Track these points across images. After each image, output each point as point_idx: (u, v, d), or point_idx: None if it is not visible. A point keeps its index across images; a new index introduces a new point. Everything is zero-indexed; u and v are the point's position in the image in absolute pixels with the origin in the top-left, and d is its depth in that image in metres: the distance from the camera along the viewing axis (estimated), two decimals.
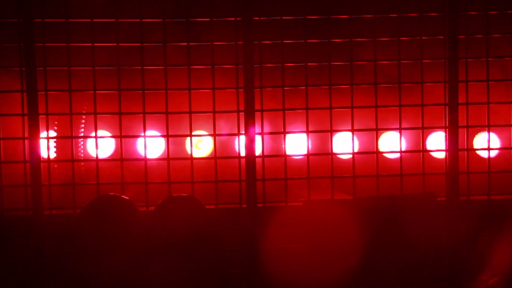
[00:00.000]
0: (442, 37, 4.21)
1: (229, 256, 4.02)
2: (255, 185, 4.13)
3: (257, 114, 4.16)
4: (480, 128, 4.38)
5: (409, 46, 4.23)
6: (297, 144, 4.39)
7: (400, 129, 4.25)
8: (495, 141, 4.46)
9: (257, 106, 4.14)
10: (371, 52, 4.21)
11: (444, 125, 4.24)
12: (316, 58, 4.22)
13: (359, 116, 4.28)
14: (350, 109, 4.21)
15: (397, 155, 4.30)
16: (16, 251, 4.09)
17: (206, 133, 4.38)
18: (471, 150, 4.34)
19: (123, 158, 4.15)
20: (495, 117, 4.30)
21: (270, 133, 4.29)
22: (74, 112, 4.16)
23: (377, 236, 4.11)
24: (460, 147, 4.23)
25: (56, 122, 4.28)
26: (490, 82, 4.25)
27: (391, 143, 4.41)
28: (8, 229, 4.10)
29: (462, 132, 4.26)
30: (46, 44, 4.07)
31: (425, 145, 4.36)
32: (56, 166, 4.28)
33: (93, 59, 4.11)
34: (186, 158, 4.20)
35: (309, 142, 4.27)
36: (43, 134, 4.13)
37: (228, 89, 4.19)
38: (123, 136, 4.15)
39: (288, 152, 4.25)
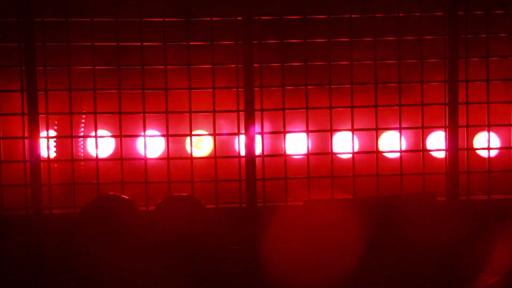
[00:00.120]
0: (442, 37, 4.21)
1: (229, 256, 4.02)
2: (255, 184, 4.13)
3: (257, 114, 4.16)
4: (480, 127, 4.37)
5: (408, 45, 4.23)
6: (297, 144, 4.38)
7: (400, 129, 4.25)
8: (495, 140, 4.46)
9: (257, 106, 4.14)
10: (371, 52, 4.21)
11: (444, 124, 4.23)
12: (315, 58, 4.22)
13: (359, 115, 4.28)
14: (350, 109, 4.21)
15: (397, 154, 4.30)
16: (16, 251, 4.09)
17: (206, 132, 4.38)
18: (471, 149, 4.34)
19: (123, 158, 4.15)
20: (495, 116, 4.30)
21: (270, 133, 4.29)
22: (74, 112, 4.16)
23: (377, 236, 4.11)
24: (460, 146, 4.23)
25: (56, 122, 4.27)
26: (490, 82, 4.25)
27: (391, 143, 4.41)
28: (8, 229, 4.10)
29: (462, 132, 4.26)
30: (46, 44, 4.07)
31: (425, 145, 4.36)
32: (56, 165, 4.28)
33: (93, 59, 4.10)
34: (186, 158, 4.20)
35: (309, 141, 4.27)
36: (43, 133, 4.13)
37: (228, 89, 4.19)
38: (123, 136, 4.15)
39: (288, 152, 4.25)
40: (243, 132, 4.15)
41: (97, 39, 4.10)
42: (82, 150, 4.41)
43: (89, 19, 4.09)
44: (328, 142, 4.25)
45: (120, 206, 3.74)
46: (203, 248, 3.67)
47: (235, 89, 4.17)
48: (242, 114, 4.15)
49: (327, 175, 4.21)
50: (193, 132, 4.20)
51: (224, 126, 4.38)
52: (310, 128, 4.23)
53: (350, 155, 4.26)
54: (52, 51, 4.12)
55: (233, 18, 4.17)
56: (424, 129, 4.27)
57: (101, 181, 4.12)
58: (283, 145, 4.22)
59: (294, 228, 4.12)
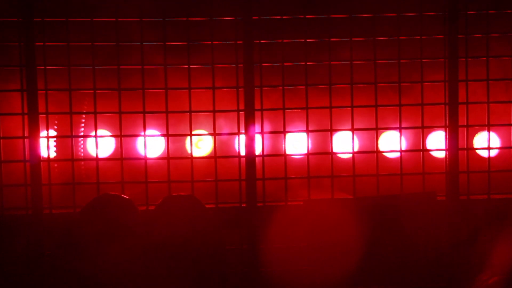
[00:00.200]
0: (442, 37, 4.21)
1: (228, 255, 4.02)
2: (255, 184, 4.13)
3: (257, 114, 4.16)
4: (480, 127, 4.37)
5: (408, 45, 4.24)
6: (297, 144, 4.38)
7: (400, 129, 4.25)
8: (495, 140, 4.46)
9: (257, 106, 4.14)
10: (370, 52, 4.22)
11: (444, 124, 4.24)
12: (315, 57, 4.22)
13: (359, 115, 4.28)
14: (350, 109, 4.21)
15: (397, 154, 4.30)
16: (16, 250, 4.09)
17: (206, 132, 4.38)
18: (471, 149, 4.34)
19: (123, 158, 4.15)
20: (495, 116, 4.30)
21: (270, 132, 4.29)
22: (74, 112, 4.16)
23: (377, 235, 4.11)
24: (460, 146, 4.23)
25: (56, 122, 4.27)
26: (490, 82, 4.25)
27: (391, 143, 4.41)
28: (8, 229, 4.10)
29: (462, 132, 4.26)
30: (46, 44, 4.07)
31: (425, 145, 4.36)
32: (56, 165, 4.28)
33: (93, 59, 4.11)
34: (186, 158, 4.20)
35: (309, 141, 4.27)
36: (43, 133, 4.13)
37: (228, 89, 4.19)
38: (123, 136, 4.15)
39: (288, 152, 4.25)
40: (243, 131, 4.15)
41: (97, 39, 4.10)
42: (82, 150, 4.41)
43: (89, 19, 4.09)
44: (328, 142, 4.25)
45: (120, 206, 3.73)
46: (203, 248, 3.67)
47: (235, 89, 4.17)
48: (242, 113, 4.15)
49: (327, 175, 4.21)
50: (193, 132, 4.20)
51: (224, 126, 4.38)
52: (310, 128, 4.23)
53: (350, 155, 4.26)
54: (52, 51, 4.12)
55: (233, 18, 4.17)
56: (424, 129, 4.27)
57: (101, 181, 4.12)
58: (283, 145, 4.22)
59: (294, 228, 4.12)
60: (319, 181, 4.27)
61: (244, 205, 4.16)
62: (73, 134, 4.18)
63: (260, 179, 4.16)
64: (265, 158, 4.19)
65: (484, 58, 4.26)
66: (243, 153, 4.16)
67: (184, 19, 4.15)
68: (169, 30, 4.15)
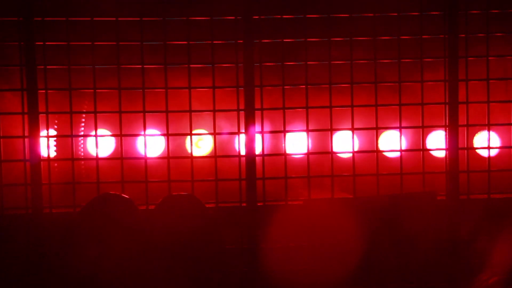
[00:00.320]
0: (442, 36, 4.21)
1: (228, 255, 4.02)
2: (255, 183, 4.13)
3: (257, 113, 4.16)
4: (480, 127, 4.37)
5: (408, 45, 4.24)
6: (297, 143, 4.38)
7: (400, 128, 4.25)
8: (495, 140, 4.46)
9: (257, 105, 4.14)
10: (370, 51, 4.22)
11: (444, 124, 4.23)
12: (316, 57, 4.23)
13: (359, 115, 4.28)
14: (350, 108, 4.21)
15: (397, 154, 4.30)
16: (16, 250, 4.09)
17: (206, 132, 4.38)
18: (471, 149, 4.34)
19: (123, 157, 4.15)
20: (495, 116, 4.30)
21: (270, 132, 4.29)
22: (74, 111, 4.16)
23: (377, 235, 4.11)
24: (460, 146, 4.23)
25: (56, 121, 4.27)
26: (490, 81, 4.25)
27: (391, 142, 4.41)
28: (8, 228, 4.10)
29: (462, 131, 4.26)
30: (46, 43, 4.07)
31: (425, 144, 4.36)
32: (56, 164, 4.28)
33: (93, 58, 4.10)
34: (186, 157, 4.20)
35: (309, 141, 4.27)
36: (43, 132, 4.13)
37: (228, 88, 4.19)
38: (123, 135, 4.15)
39: (288, 151, 4.25)
40: (243, 131, 4.15)
41: (97, 38, 4.10)
42: (82, 149, 4.41)
43: (89, 18, 4.09)
44: (328, 141, 4.25)
45: (120, 205, 3.74)
46: (203, 247, 3.67)
47: (235, 88, 4.17)
48: (242, 113, 4.15)
49: (327, 175, 4.21)
50: (193, 131, 4.20)
51: (224, 125, 4.38)
52: (310, 127, 4.23)
53: (350, 155, 4.26)
54: (52, 50, 4.12)
55: (233, 18, 4.17)
56: (424, 129, 4.27)
57: (101, 180, 4.12)
58: (283, 144, 4.22)
59: (294, 227, 4.12)
60: (319, 180, 4.27)
61: (244, 204, 4.16)
62: (73, 134, 4.18)
63: (260, 178, 4.15)
64: (265, 157, 4.19)
65: (484, 58, 4.25)
66: (243, 152, 4.16)
67: (184, 18, 4.15)
68: (170, 29, 4.15)
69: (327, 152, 4.24)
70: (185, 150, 4.42)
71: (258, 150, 4.20)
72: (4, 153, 4.14)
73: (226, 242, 3.96)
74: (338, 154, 4.37)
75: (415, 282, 4.15)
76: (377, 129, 4.26)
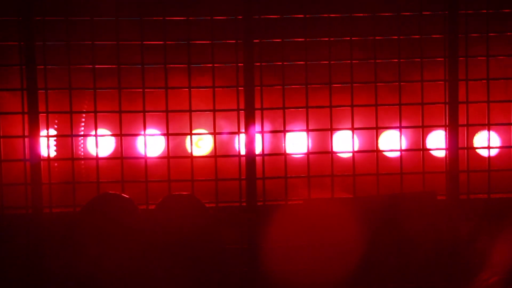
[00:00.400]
0: (442, 36, 4.21)
1: (228, 254, 4.01)
2: (255, 183, 4.14)
3: (257, 113, 4.16)
4: (480, 126, 4.37)
5: (408, 44, 4.24)
6: (297, 143, 4.38)
7: (400, 128, 4.25)
8: (495, 139, 4.46)
9: (257, 105, 4.14)
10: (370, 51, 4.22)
11: (444, 123, 4.24)
12: (316, 57, 4.22)
13: (359, 114, 4.28)
14: (350, 108, 4.21)
15: (397, 153, 4.30)
16: (16, 250, 4.09)
17: (206, 131, 4.38)
18: (471, 148, 4.34)
19: (123, 157, 4.15)
20: (495, 115, 4.30)
21: (270, 132, 4.29)
22: (74, 111, 4.16)
23: (377, 235, 4.11)
24: (460, 145, 4.23)
25: (56, 121, 4.28)
26: (490, 81, 4.25)
27: (391, 142, 4.41)
28: (8, 228, 4.10)
29: (462, 131, 4.26)
30: (46, 43, 4.08)
31: (425, 144, 4.36)
32: (56, 164, 4.28)
33: (93, 58, 4.11)
34: (186, 157, 4.20)
35: (309, 140, 4.27)
36: (43, 132, 4.13)
37: (228, 88, 4.19)
38: (123, 135, 4.15)
39: (288, 151, 4.25)
40: (243, 131, 4.16)
41: (97, 38, 4.10)
42: (82, 149, 4.41)
43: (89, 18, 4.09)
44: (328, 141, 4.25)
45: (120, 205, 3.73)
46: (203, 247, 3.67)
47: (235, 88, 4.17)
48: (242, 113, 4.16)
49: (327, 174, 4.21)
50: (193, 131, 4.20)
51: (224, 125, 4.38)
52: (310, 127, 4.23)
53: (350, 154, 4.26)
54: (52, 50, 4.12)
55: (233, 17, 4.17)
56: (424, 128, 4.27)
57: (101, 180, 4.12)
58: (283, 144, 4.22)
59: (294, 227, 4.12)
60: (319, 180, 4.27)
61: (244, 204, 4.16)
62: (73, 133, 4.18)
63: (260, 178, 4.16)
64: (265, 157, 4.19)
65: (484, 58, 4.25)
66: (243, 152, 4.17)
67: (184, 18, 4.15)
68: (170, 29, 4.15)
69: (327, 152, 4.25)
70: (185, 149, 4.42)
71: (258, 149, 4.20)
72: (4, 153, 4.14)
73: (226, 241, 3.96)
74: (338, 154, 4.37)
75: (415, 282, 4.15)
76: (377, 129, 4.26)
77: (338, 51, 4.22)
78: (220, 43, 4.18)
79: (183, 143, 4.45)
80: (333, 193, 4.20)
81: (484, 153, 4.42)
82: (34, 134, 4.06)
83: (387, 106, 4.25)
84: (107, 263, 3.58)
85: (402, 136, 4.29)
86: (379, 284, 4.15)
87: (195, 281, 3.64)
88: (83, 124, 4.38)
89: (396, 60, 4.22)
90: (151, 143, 4.30)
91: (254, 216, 4.14)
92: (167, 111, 4.14)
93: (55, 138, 4.26)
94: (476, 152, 4.46)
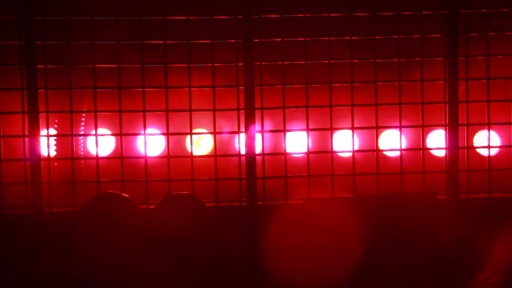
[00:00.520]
0: (442, 35, 4.21)
1: (228, 254, 4.02)
2: (255, 183, 4.14)
3: (257, 112, 4.16)
4: (480, 126, 4.37)
5: (408, 44, 4.24)
6: (297, 142, 4.38)
7: (400, 127, 4.25)
8: (495, 139, 4.46)
9: (257, 104, 4.14)
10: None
11: (444, 123, 4.23)
12: (316, 57, 4.23)
13: (359, 114, 4.28)
14: (350, 107, 4.21)
15: (397, 153, 4.30)
16: (16, 249, 4.09)
17: (206, 131, 4.38)
18: (471, 148, 4.34)
19: (123, 156, 4.15)
20: (495, 115, 4.30)
21: (270, 131, 4.29)
22: (74, 110, 4.16)
23: (377, 234, 4.11)
24: (460, 145, 4.23)
25: (56, 120, 4.28)
26: (490, 80, 4.26)
27: (391, 141, 4.41)
28: (8, 227, 4.10)
29: (462, 130, 4.26)
30: (46, 42, 4.08)
31: (425, 143, 4.36)
32: (56, 164, 4.28)
33: (93, 57, 4.11)
34: (186, 156, 4.20)
35: (309, 140, 4.27)
36: (43, 132, 4.13)
37: (228, 87, 4.19)
38: (123, 134, 4.15)
39: (288, 150, 4.25)
40: (243, 130, 4.16)
41: (97, 37, 4.10)
42: (82, 149, 4.41)
43: (89, 18, 4.09)
44: (328, 140, 4.25)
45: (120, 205, 3.73)
46: (203, 246, 3.67)
47: (235, 88, 4.17)
48: (242, 112, 4.16)
49: (327, 174, 4.21)
50: (193, 131, 4.20)
51: (224, 124, 4.38)
52: (310, 127, 4.23)
53: (350, 154, 4.26)
54: (52, 49, 4.12)
55: (233, 17, 4.17)
56: (424, 128, 4.27)
57: (101, 180, 4.12)
58: (283, 144, 4.22)
59: (294, 227, 4.12)
60: (319, 179, 4.27)
61: (244, 203, 4.17)
62: (73, 133, 4.18)
63: (260, 177, 4.16)
64: (265, 156, 4.19)
65: (484, 57, 4.25)
66: (243, 151, 4.17)
67: (185, 17, 4.15)
68: (170, 29, 4.15)
69: (327, 151, 4.25)
70: (185, 149, 4.42)
71: (258, 149, 4.20)
72: (4, 153, 4.14)
73: (226, 241, 3.96)
74: (338, 153, 4.37)
75: (415, 281, 4.14)
76: (377, 128, 4.26)
77: (338, 51, 4.22)
78: (220, 42, 4.18)
79: (183, 143, 4.45)
80: (333, 193, 4.20)
81: (484, 152, 4.42)
82: (34, 134, 4.06)
83: (387, 106, 4.25)
84: (107, 262, 3.58)
85: (402, 136, 4.29)
86: (379, 284, 4.15)
87: (195, 281, 3.63)
88: (83, 123, 4.38)
89: (396, 60, 4.22)
90: (151, 143, 4.30)
91: (254, 216, 4.14)
92: (167, 111, 4.14)
93: (55, 137, 4.26)
94: (476, 151, 4.46)
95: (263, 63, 4.17)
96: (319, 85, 4.24)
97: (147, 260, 3.62)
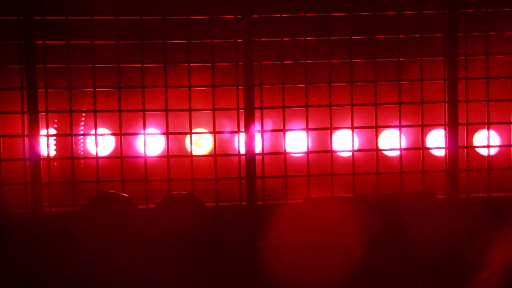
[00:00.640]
0: (441, 35, 4.21)
1: (228, 253, 4.02)
2: (255, 182, 4.14)
3: (257, 112, 4.16)
4: (480, 125, 4.37)
5: (407, 43, 4.24)
6: (297, 142, 4.38)
7: (400, 127, 4.25)
8: (495, 138, 4.46)
9: (257, 104, 4.15)
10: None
11: (443, 122, 4.24)
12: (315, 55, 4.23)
13: (359, 113, 4.29)
14: (349, 107, 4.21)
15: (397, 152, 4.30)
16: (16, 249, 4.09)
17: (206, 130, 4.38)
18: (471, 147, 4.35)
19: (123, 156, 4.15)
20: (495, 114, 4.30)
21: (270, 131, 4.29)
22: (74, 110, 4.16)
23: (376, 234, 4.11)
24: (460, 144, 4.23)
25: (56, 120, 4.28)
26: (489, 80, 4.26)
27: (391, 141, 4.41)
28: (8, 227, 4.10)
29: (462, 130, 4.26)
30: (46, 42, 4.08)
31: (425, 143, 4.36)
32: (56, 163, 4.28)
33: (93, 57, 4.11)
34: (186, 156, 4.20)
35: (309, 139, 4.27)
36: (43, 131, 4.13)
37: (228, 87, 4.19)
38: (123, 134, 4.15)
39: (288, 150, 4.25)
40: (243, 130, 4.16)
41: (97, 37, 4.10)
42: (82, 148, 4.41)
43: (89, 17, 4.09)
44: (328, 140, 4.25)
45: (120, 204, 3.73)
46: (202, 246, 3.67)
47: (235, 87, 4.17)
48: (242, 112, 4.16)
49: (327, 173, 4.21)
50: (193, 130, 4.20)
51: (224, 124, 4.38)
52: (310, 126, 4.23)
53: (350, 153, 4.26)
54: (52, 49, 4.12)
55: (233, 16, 4.17)
56: (423, 127, 4.27)
57: (101, 179, 4.12)
58: (283, 143, 4.22)
59: (294, 226, 4.12)
60: (319, 179, 4.27)
61: (244, 203, 4.17)
62: (73, 133, 4.18)
63: (260, 177, 4.16)
64: (265, 156, 4.19)
65: (484, 56, 4.26)
66: (243, 151, 4.17)
67: (184, 17, 4.15)
68: (169, 28, 4.15)
69: (327, 151, 4.25)
70: (185, 149, 4.42)
71: (258, 149, 4.20)
72: (4, 152, 4.14)
73: (226, 241, 3.96)
74: (338, 153, 4.37)
75: (415, 281, 4.15)
76: (377, 128, 4.26)
77: (337, 50, 4.22)
78: (220, 42, 4.18)
79: (183, 142, 4.45)
80: (333, 192, 4.20)
81: (483, 152, 4.42)
82: (34, 133, 4.06)
83: (387, 105, 4.25)
84: (107, 262, 3.58)
85: (402, 135, 4.29)
86: (379, 284, 4.15)
87: (195, 280, 3.63)
88: (82, 123, 4.38)
89: (396, 59, 4.22)
90: (150, 142, 4.29)
91: (254, 215, 4.14)
92: (166, 110, 4.14)
93: (55, 137, 4.26)
94: (475, 151, 4.46)
95: (262, 63, 4.17)
96: (318, 84, 4.24)
97: (147, 260, 3.62)
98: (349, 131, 4.26)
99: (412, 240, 4.13)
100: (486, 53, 4.24)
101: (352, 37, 4.20)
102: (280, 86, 4.20)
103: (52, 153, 4.25)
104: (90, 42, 4.10)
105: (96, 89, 4.12)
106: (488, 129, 4.31)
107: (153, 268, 3.60)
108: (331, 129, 4.23)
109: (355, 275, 4.09)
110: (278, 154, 4.25)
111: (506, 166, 4.36)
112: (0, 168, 4.11)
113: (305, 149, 4.26)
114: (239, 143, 4.19)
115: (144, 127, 4.15)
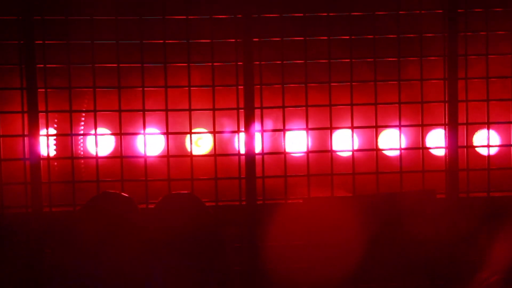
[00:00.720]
0: (441, 34, 4.21)
1: (228, 253, 4.02)
2: (255, 182, 4.14)
3: (257, 112, 4.16)
4: (480, 125, 4.37)
5: (407, 43, 4.24)
6: (297, 142, 4.38)
7: (399, 126, 4.25)
8: (495, 138, 4.46)
9: (257, 104, 4.15)
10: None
11: (443, 122, 4.24)
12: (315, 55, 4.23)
13: (359, 113, 4.29)
14: (349, 107, 4.21)
15: (397, 152, 4.30)
16: (16, 249, 4.09)
17: (206, 130, 4.38)
18: (470, 147, 4.35)
19: (123, 156, 4.15)
20: (495, 114, 4.31)
21: (270, 131, 4.29)
22: (74, 110, 4.16)
23: (376, 234, 4.11)
24: (459, 144, 4.23)
25: (56, 120, 4.28)
26: (489, 79, 4.26)
27: (391, 140, 4.41)
28: (8, 227, 4.10)
29: (462, 129, 4.26)
30: (46, 42, 4.08)
31: (425, 142, 4.36)
32: (56, 163, 4.28)
33: (92, 57, 4.11)
34: (186, 156, 4.20)
35: (309, 139, 4.27)
36: (43, 131, 4.13)
37: (228, 87, 4.19)
38: (123, 134, 4.16)
39: (288, 150, 4.25)
40: (243, 130, 4.16)
41: (97, 37, 4.10)
42: (82, 148, 4.41)
43: (88, 17, 4.10)
44: (328, 140, 4.26)
45: (120, 204, 3.73)
46: (202, 246, 3.67)
47: (234, 87, 4.17)
48: (242, 112, 4.16)
49: (326, 173, 4.21)
50: (193, 130, 4.20)
51: (224, 124, 4.38)
52: (310, 126, 4.23)
53: (350, 153, 4.26)
54: (52, 49, 4.12)
55: (233, 16, 4.17)
56: (423, 127, 4.27)
57: (101, 179, 4.13)
58: (282, 143, 4.22)
59: (294, 226, 4.12)
60: (319, 179, 4.27)
61: (243, 203, 4.17)
62: (73, 132, 4.18)
63: (259, 177, 4.16)
64: (264, 156, 4.19)
65: (484, 56, 4.26)
66: (243, 151, 4.17)
67: (184, 17, 4.15)
68: (169, 28, 4.15)
69: (327, 151, 4.25)
70: (185, 148, 4.42)
71: (258, 148, 4.20)
72: (4, 152, 4.14)
73: (226, 240, 3.96)
74: (338, 153, 4.37)
75: (415, 280, 4.15)
76: (377, 128, 4.26)
77: (337, 50, 4.22)
78: (220, 42, 4.18)
79: (183, 142, 4.45)
80: (333, 192, 4.20)
81: (483, 151, 4.42)
82: (33, 133, 4.06)
83: (387, 105, 4.25)
84: (107, 262, 3.58)
85: (402, 135, 4.29)
86: (379, 283, 4.15)
87: (195, 280, 3.64)
88: (82, 123, 4.38)
89: (395, 59, 4.22)
90: (150, 142, 4.29)
91: (254, 215, 4.14)
92: (166, 110, 4.14)
93: (54, 137, 4.26)
94: (475, 150, 4.46)
95: (262, 63, 4.17)
96: (318, 84, 4.24)
97: (147, 260, 3.62)
98: (349, 131, 4.26)
99: (412, 240, 4.12)
100: (486, 52, 4.24)
101: (352, 37, 4.20)
102: (280, 86, 4.19)
103: (52, 153, 4.25)
104: (90, 42, 4.10)
105: (96, 89, 4.12)
106: (488, 129, 4.31)
107: (153, 268, 3.60)
108: (331, 129, 4.23)
109: (355, 275, 4.09)
110: (278, 154, 4.25)
111: (506, 166, 4.36)
112: (0, 168, 4.11)
113: (305, 149, 4.26)
114: (239, 143, 4.19)
115: (144, 127, 4.15)
